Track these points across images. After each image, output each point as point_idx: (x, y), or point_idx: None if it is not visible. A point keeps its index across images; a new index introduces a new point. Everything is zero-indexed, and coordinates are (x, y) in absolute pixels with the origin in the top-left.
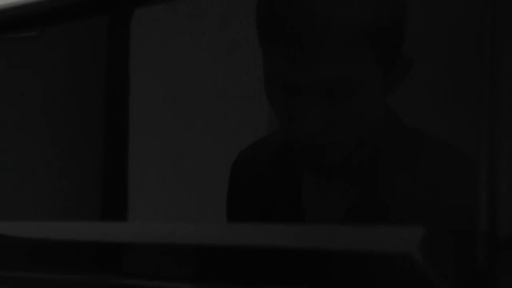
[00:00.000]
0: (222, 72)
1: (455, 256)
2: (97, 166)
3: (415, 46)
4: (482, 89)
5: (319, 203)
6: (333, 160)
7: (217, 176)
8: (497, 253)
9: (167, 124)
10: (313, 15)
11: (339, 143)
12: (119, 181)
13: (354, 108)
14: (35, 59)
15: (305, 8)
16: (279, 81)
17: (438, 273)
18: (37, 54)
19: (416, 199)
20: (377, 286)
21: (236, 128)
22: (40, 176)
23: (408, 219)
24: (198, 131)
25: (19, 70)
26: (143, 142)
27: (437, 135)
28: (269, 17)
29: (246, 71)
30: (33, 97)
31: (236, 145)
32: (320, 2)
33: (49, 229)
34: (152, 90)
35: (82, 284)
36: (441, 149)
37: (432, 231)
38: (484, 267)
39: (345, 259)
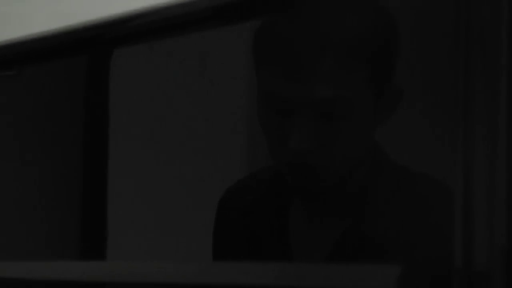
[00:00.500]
0: (206, 110)
1: None
2: (77, 206)
3: (405, 80)
4: (467, 127)
5: (306, 238)
6: (323, 185)
7: (201, 214)
8: None
9: (148, 162)
10: (308, 35)
11: (330, 167)
12: (100, 220)
13: (346, 132)
14: (13, 98)
15: (301, 29)
16: (273, 101)
17: None
18: (16, 93)
19: (399, 236)
20: None
21: (221, 166)
22: (20, 216)
23: (392, 255)
24: (181, 169)
25: None
26: (124, 180)
27: (421, 172)
28: (267, 39)
29: (230, 107)
30: (11, 136)
31: (220, 183)
32: (315, 23)
33: (28, 269)
34: (132, 128)
35: None
36: (423, 186)
37: (409, 269)
38: None
39: None
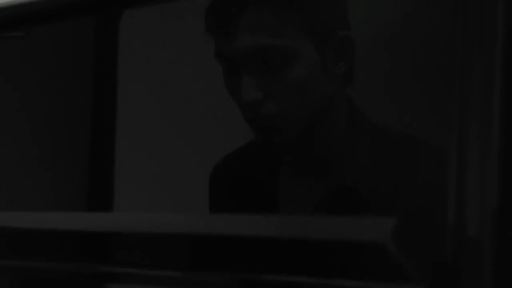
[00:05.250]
0: (212, 74)
1: (424, 247)
2: (84, 160)
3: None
4: (450, 83)
5: (294, 195)
6: (286, 137)
7: (200, 169)
8: (463, 246)
9: (154, 118)
10: None
11: (285, 117)
12: (106, 174)
13: (291, 80)
14: (21, 59)
15: None
16: (222, 62)
17: (409, 262)
18: (24, 54)
19: (384, 193)
20: (351, 274)
21: (218, 130)
22: (28, 168)
23: (376, 210)
24: (185, 127)
25: (6, 69)
26: (130, 135)
27: (403, 130)
28: (208, 9)
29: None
30: (20, 95)
31: (220, 141)
32: None
33: (37, 219)
34: (140, 88)
35: (70, 272)
36: (408, 144)
37: (404, 222)
38: (450, 260)
39: (321, 247)
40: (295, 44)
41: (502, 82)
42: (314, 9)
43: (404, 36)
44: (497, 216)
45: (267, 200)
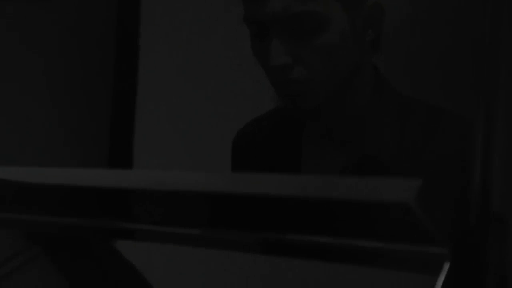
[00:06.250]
0: (241, 39)
1: (449, 211)
2: (106, 118)
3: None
4: (477, 52)
5: (318, 160)
6: (314, 101)
7: (224, 131)
8: (486, 212)
9: (177, 83)
10: None
11: (314, 82)
12: (128, 131)
13: (320, 46)
14: (44, 22)
15: None
16: (251, 27)
17: (432, 224)
18: (47, 17)
19: (409, 157)
20: (374, 234)
21: (244, 95)
22: (52, 125)
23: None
24: (208, 92)
25: (29, 32)
26: (152, 96)
27: (428, 98)
28: None
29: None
30: (43, 56)
31: (242, 109)
32: None
33: (59, 175)
34: (164, 49)
35: (89, 227)
36: (433, 112)
37: (429, 185)
38: (473, 225)
39: (345, 208)
40: (326, 10)
41: None
42: None
43: (432, 5)
44: None
45: (292, 165)
